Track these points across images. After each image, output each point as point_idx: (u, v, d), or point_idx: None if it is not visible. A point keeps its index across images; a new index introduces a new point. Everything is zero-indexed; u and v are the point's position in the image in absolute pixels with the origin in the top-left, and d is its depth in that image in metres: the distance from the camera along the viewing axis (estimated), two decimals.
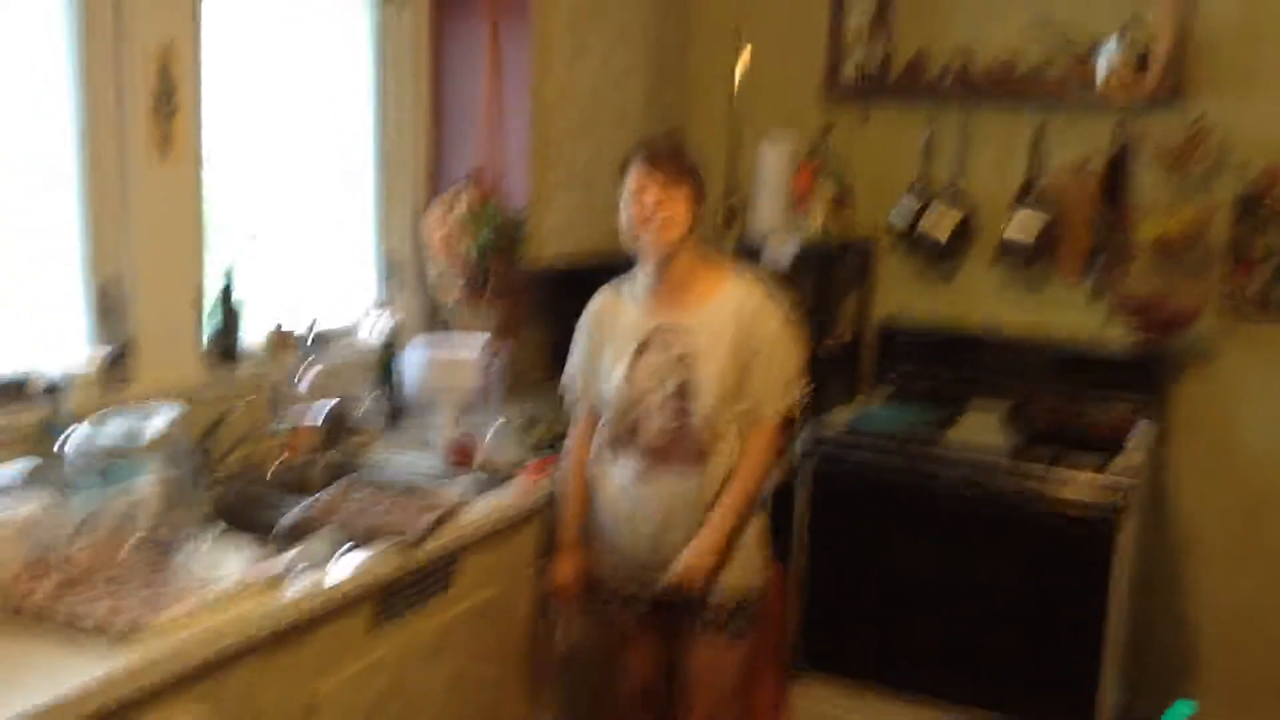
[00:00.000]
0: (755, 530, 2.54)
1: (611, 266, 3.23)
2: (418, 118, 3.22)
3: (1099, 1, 3.32)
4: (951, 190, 3.57)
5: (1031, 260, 3.44)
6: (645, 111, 3.63)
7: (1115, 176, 3.33)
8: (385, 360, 3.02)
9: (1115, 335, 3.41)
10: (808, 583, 3.19)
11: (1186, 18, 3.23)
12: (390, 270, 3.24)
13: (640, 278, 2.57)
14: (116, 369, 2.36)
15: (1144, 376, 3.34)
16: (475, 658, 2.48)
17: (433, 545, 2.29)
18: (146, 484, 2.03)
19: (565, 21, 3.19)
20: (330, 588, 2.02)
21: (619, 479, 2.53)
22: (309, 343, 2.89)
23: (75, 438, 2.03)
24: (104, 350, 2.36)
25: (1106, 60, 3.25)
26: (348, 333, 3.06)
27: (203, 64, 2.49)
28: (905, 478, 3.07)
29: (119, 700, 1.64)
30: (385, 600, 2.20)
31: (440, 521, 2.31)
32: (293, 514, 2.26)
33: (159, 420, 2.09)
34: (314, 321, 2.94)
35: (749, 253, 3.47)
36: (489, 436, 2.79)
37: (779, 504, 2.58)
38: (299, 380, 2.70)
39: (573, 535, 2.61)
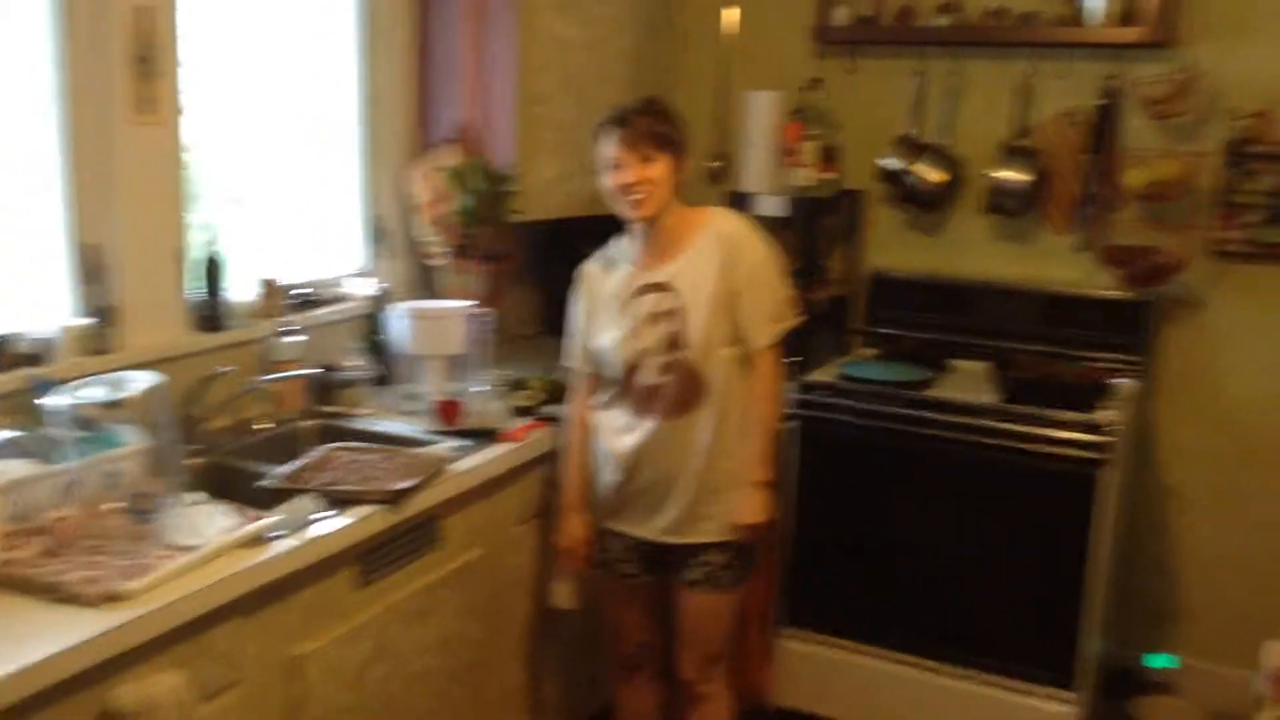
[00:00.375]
0: (758, 471, 2.54)
1: (600, 224, 3.23)
2: (402, 75, 3.20)
3: None
4: (940, 141, 3.55)
5: (1020, 210, 3.43)
6: (633, 67, 3.60)
7: (1104, 125, 3.31)
8: (372, 321, 3.03)
9: (1103, 285, 3.40)
10: (795, 535, 3.22)
11: None
12: (376, 232, 3.24)
13: (626, 237, 2.58)
14: (100, 333, 2.37)
15: (1131, 325, 3.33)
16: (462, 618, 2.51)
17: (417, 505, 2.30)
18: (128, 449, 2.04)
19: None
20: (313, 548, 2.04)
21: (622, 435, 2.55)
22: (295, 304, 2.90)
23: (56, 403, 2.04)
24: (87, 314, 2.37)
25: (1097, 6, 3.22)
26: (334, 294, 3.07)
27: (182, 24, 2.48)
28: (893, 431, 3.08)
29: (101, 664, 1.67)
30: (369, 560, 2.22)
31: (425, 482, 2.32)
32: (277, 475, 2.28)
33: (140, 385, 2.10)
34: (300, 283, 2.95)
35: (738, 206, 3.46)
36: (476, 397, 2.80)
37: None
38: (285, 342, 2.71)
39: (577, 498, 2.64)
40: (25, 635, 1.63)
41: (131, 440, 2.07)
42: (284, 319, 2.77)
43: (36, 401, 2.12)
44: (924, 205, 3.56)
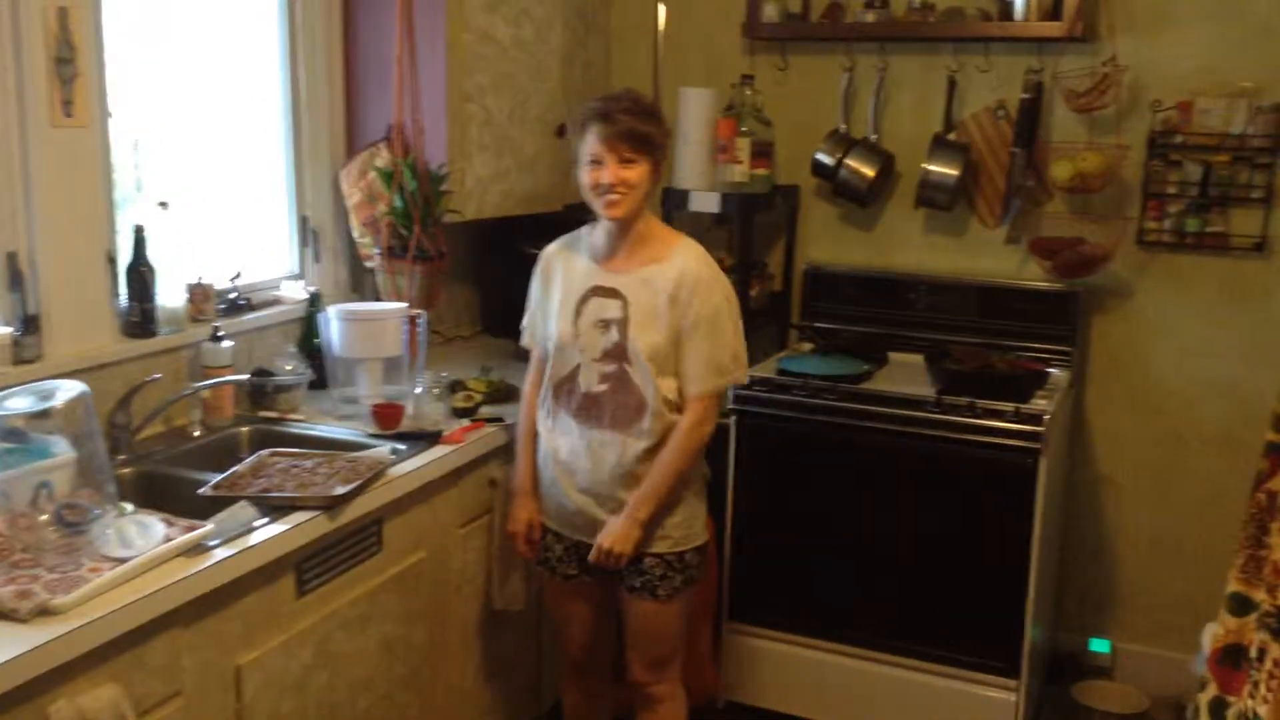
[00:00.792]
0: (691, 494, 2.54)
1: (536, 222, 3.22)
2: (329, 74, 3.16)
3: None
4: (871, 136, 3.58)
5: (950, 204, 3.47)
6: (566, 64, 3.59)
7: (1029, 119, 3.36)
8: (306, 324, 2.99)
9: (1032, 276, 3.46)
10: (736, 532, 3.23)
11: None
12: (307, 233, 3.19)
13: (593, 232, 2.56)
14: (23, 342, 2.31)
15: (1061, 316, 3.40)
16: (405, 622, 2.48)
17: (357, 510, 2.27)
18: (56, 460, 1.99)
19: None
20: (250, 556, 2.00)
21: (556, 430, 2.54)
22: (226, 309, 2.85)
23: None
24: (9, 323, 2.31)
25: (1021, 1, 3.28)
26: (267, 298, 3.02)
27: (106, 25, 2.43)
28: (831, 424, 3.11)
29: (36, 679, 1.62)
30: (309, 567, 2.19)
31: (364, 486, 2.29)
32: (211, 483, 2.23)
33: (66, 394, 2.04)
34: (232, 287, 2.90)
35: (673, 203, 3.47)
36: (414, 399, 2.77)
37: (708, 453, 2.59)
38: (216, 347, 2.66)
39: (526, 480, 2.62)
40: None
41: (59, 451, 2.01)
42: (215, 323, 2.71)
43: None
44: (857, 200, 3.59)
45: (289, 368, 2.84)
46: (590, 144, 2.42)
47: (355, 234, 3.14)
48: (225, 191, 2.97)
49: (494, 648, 2.85)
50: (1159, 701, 3.38)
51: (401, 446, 2.54)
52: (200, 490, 2.22)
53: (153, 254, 2.58)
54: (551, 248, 2.63)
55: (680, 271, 2.44)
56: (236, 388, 2.73)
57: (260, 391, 2.78)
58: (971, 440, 2.97)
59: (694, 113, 3.48)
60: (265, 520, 2.10)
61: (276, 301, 3.02)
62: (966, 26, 3.40)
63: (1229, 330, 3.33)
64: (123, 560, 1.83)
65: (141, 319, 2.58)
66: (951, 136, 3.49)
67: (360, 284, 3.26)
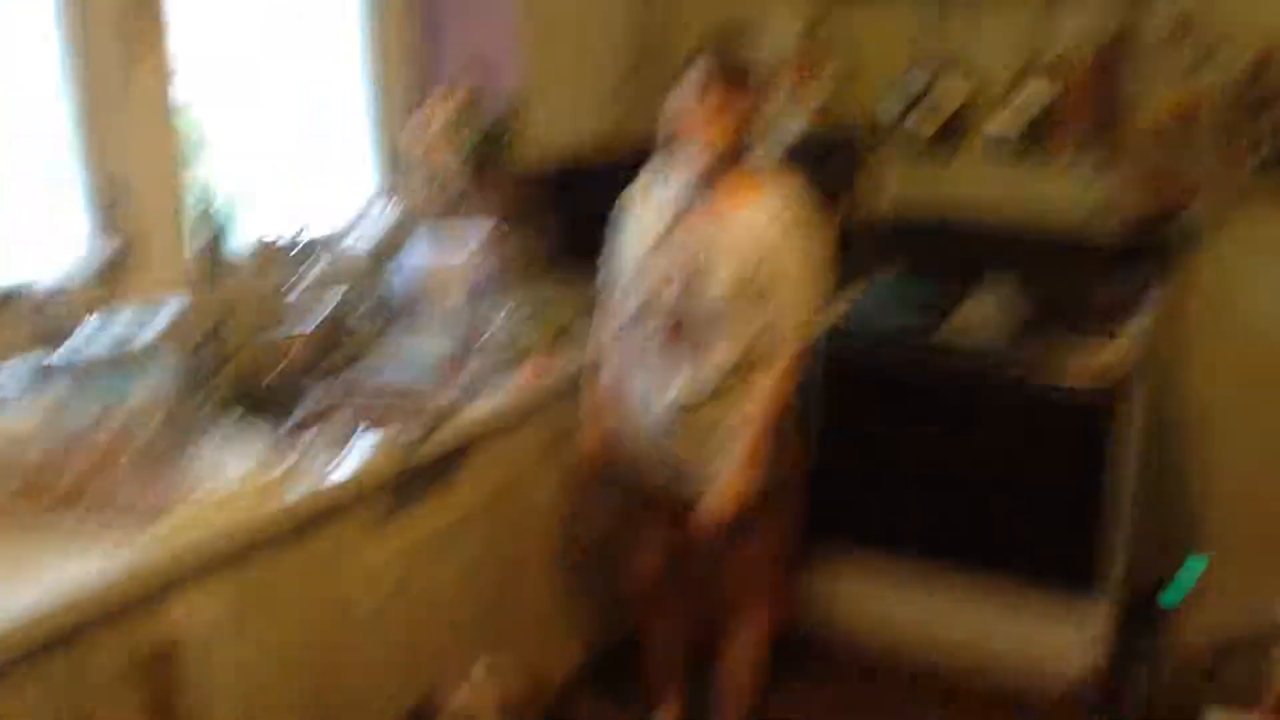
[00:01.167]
0: (776, 442, 2.52)
1: (609, 162, 3.20)
2: (405, 15, 3.16)
3: None
4: (950, 73, 3.51)
5: (1031, 142, 3.40)
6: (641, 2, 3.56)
7: (1115, 57, 3.27)
8: (380, 262, 3.02)
9: (1121, 211, 3.38)
10: (818, 461, 3.22)
11: None
12: (381, 176, 3.21)
13: (676, 171, 2.53)
14: (109, 279, 2.37)
15: (1145, 255, 3.31)
16: (487, 549, 2.53)
17: (438, 443, 2.31)
18: (151, 387, 2.05)
19: None
20: (337, 484, 2.06)
21: (626, 366, 2.56)
22: (301, 252, 2.89)
23: (75, 343, 2.05)
24: (96, 259, 2.37)
25: None
26: (341, 236, 3.05)
27: None
28: (907, 365, 3.09)
29: (146, 592, 1.69)
30: (393, 496, 2.24)
31: (444, 419, 2.33)
32: (295, 416, 2.29)
33: (157, 322, 2.10)
34: (306, 225, 2.93)
35: (752, 141, 3.43)
36: (487, 336, 2.80)
37: None
38: (293, 285, 2.70)
39: (599, 406, 2.64)
40: (70, 564, 1.65)
41: (157, 373, 2.07)
42: (291, 266, 2.75)
43: (54, 341, 2.12)
44: (933, 139, 3.53)
45: (365, 309, 2.87)
46: (688, 82, 2.40)
47: (425, 177, 3.16)
48: (301, 135, 2.99)
49: (573, 575, 2.90)
50: (1243, 626, 3.32)
51: (480, 380, 2.57)
52: (287, 423, 2.27)
53: (230, 198, 2.61)
54: (636, 184, 2.62)
55: (764, 215, 2.42)
56: (311, 330, 2.76)
57: (337, 333, 2.82)
58: (1051, 377, 2.92)
59: (769, 49, 3.44)
60: (348, 453, 2.15)
61: (350, 243, 3.06)
62: None
63: None
64: (218, 484, 1.89)
65: (217, 259, 2.62)
66: (1041, 70, 3.40)
67: (433, 224, 3.28)
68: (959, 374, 3.03)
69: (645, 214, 2.55)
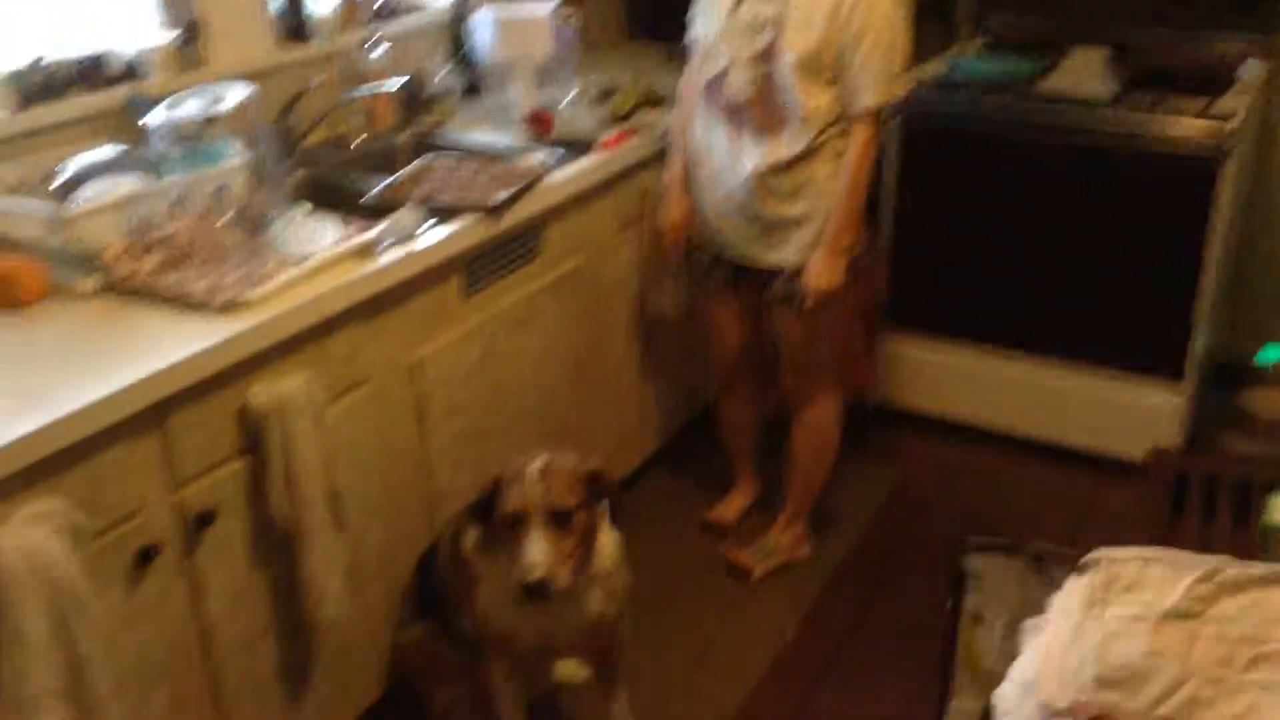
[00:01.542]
0: (834, 238, 2.45)
1: None
2: None
3: None
4: None
5: None
6: None
7: None
8: (456, 28, 2.94)
9: None
10: (897, 236, 3.16)
11: None
12: None
13: None
14: (189, 49, 2.34)
15: (1253, 11, 3.08)
16: (565, 324, 2.56)
17: (516, 216, 2.30)
18: (232, 162, 2.05)
19: None
20: (419, 258, 2.07)
21: (705, 132, 2.49)
22: (379, 14, 2.82)
23: (156, 118, 2.04)
24: (175, 30, 2.33)
25: None
26: (418, 3, 2.97)
27: None
28: (1000, 126, 2.95)
29: (233, 367, 1.74)
30: (473, 270, 2.25)
31: (523, 192, 2.31)
32: (378, 188, 2.28)
33: (236, 97, 2.08)
34: None
35: None
36: (565, 106, 2.73)
37: None
38: (371, 53, 2.66)
39: (676, 181, 2.60)
40: (160, 340, 1.70)
41: (232, 154, 2.07)
42: (368, 30, 2.69)
43: (136, 119, 2.12)
44: None
45: (443, 74, 2.82)
46: None
47: None
48: None
49: (649, 351, 2.93)
50: None
51: (557, 152, 2.53)
52: (366, 196, 2.27)
53: None
54: None
55: None
56: (393, 95, 2.73)
57: (416, 98, 2.78)
58: (1152, 139, 2.78)
59: None
60: (430, 224, 2.15)
61: (427, 6, 2.97)
62: None
63: None
64: (301, 259, 1.90)
65: (295, 26, 2.58)
66: None
67: None
68: (1054, 133, 2.89)
69: None
